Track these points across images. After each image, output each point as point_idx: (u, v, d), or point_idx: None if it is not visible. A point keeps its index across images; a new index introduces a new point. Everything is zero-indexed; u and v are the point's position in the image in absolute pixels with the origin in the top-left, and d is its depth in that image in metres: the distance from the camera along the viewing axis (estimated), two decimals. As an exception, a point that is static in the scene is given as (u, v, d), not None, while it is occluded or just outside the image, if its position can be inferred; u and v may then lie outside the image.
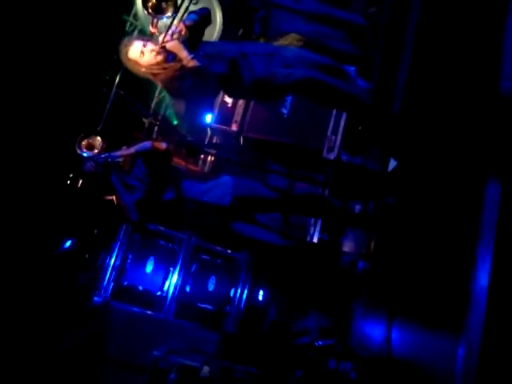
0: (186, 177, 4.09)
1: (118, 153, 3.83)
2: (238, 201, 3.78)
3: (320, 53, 4.32)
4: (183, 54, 3.39)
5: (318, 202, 3.85)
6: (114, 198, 3.76)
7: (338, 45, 4.64)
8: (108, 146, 4.16)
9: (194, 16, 3.57)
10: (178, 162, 4.94)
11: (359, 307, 3.41)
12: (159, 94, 5.70)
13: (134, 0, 5.43)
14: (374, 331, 3.10)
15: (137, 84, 5.19)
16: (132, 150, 3.85)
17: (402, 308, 2.93)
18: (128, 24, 5.58)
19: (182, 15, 3.52)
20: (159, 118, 5.71)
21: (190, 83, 3.55)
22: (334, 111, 4.32)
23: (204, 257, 4.71)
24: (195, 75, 3.52)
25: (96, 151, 4.08)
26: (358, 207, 3.74)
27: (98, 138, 4.18)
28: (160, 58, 3.40)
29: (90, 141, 4.14)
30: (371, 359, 2.94)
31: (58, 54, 4.91)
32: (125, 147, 3.87)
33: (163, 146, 3.91)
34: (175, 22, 3.53)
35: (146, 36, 4.31)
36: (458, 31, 3.48)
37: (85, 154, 4.08)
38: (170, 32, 3.42)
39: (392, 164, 3.49)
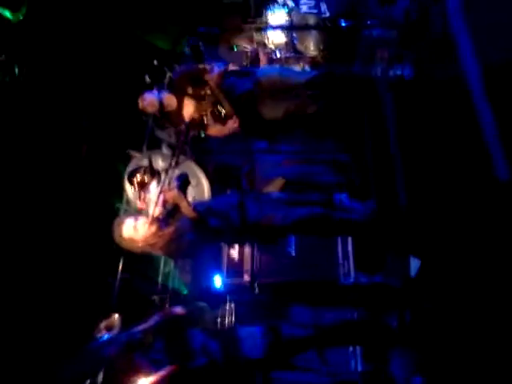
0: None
1: (138, 329, 3.67)
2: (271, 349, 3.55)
3: (309, 188, 4.45)
4: (184, 203, 3.49)
5: (352, 328, 3.63)
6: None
7: (325, 178, 4.81)
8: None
9: (174, 182, 3.74)
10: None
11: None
12: (164, 267, 5.66)
13: (123, 186, 5.61)
14: None
15: (142, 263, 5.17)
16: (150, 323, 3.70)
17: None
18: (121, 211, 5.72)
19: (164, 184, 3.71)
20: (169, 291, 5.60)
21: (188, 239, 3.58)
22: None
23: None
24: (191, 230, 3.56)
25: (115, 331, 3.89)
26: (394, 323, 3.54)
27: (116, 315, 4.03)
28: (153, 227, 3.49)
29: (108, 321, 3.97)
30: None
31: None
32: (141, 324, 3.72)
33: (176, 310, 3.78)
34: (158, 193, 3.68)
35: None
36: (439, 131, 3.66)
37: (105, 336, 3.87)
38: (156, 203, 3.56)
39: (414, 266, 3.40)
